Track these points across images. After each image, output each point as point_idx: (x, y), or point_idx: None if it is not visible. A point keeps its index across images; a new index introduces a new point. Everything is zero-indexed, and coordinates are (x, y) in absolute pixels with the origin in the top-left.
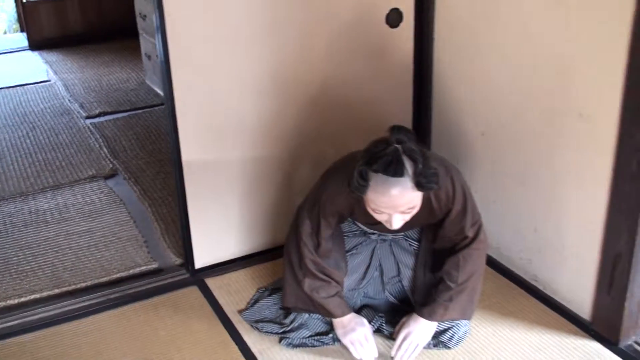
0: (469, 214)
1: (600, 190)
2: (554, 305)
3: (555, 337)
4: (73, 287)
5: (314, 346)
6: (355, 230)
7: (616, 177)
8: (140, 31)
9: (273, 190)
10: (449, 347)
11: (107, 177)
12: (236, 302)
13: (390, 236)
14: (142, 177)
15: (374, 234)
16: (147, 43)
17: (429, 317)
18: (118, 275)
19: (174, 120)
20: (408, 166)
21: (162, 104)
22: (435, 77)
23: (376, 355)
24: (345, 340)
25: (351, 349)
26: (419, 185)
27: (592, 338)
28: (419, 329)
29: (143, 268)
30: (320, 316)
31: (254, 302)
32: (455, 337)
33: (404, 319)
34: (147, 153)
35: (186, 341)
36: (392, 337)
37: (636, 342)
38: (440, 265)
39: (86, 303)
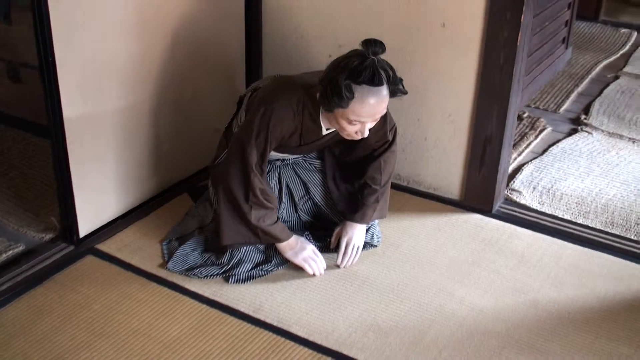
0: (388, 119)
1: (466, 85)
2: (424, 194)
3: (444, 217)
4: None
5: (260, 276)
6: None
7: (483, 71)
8: None
9: (140, 139)
10: (375, 245)
11: None
12: (149, 258)
13: (291, 159)
14: None
15: (277, 160)
16: None
17: (362, 220)
18: None
19: (54, 74)
20: (383, 75)
21: None
22: (266, 11)
23: (325, 267)
24: (298, 260)
25: (305, 266)
26: (392, 92)
27: (470, 212)
28: (357, 234)
29: (9, 254)
30: (254, 247)
31: (168, 255)
32: (375, 235)
33: (337, 229)
34: None
35: (129, 306)
36: (324, 249)
37: (500, 207)
38: (355, 175)
39: None
